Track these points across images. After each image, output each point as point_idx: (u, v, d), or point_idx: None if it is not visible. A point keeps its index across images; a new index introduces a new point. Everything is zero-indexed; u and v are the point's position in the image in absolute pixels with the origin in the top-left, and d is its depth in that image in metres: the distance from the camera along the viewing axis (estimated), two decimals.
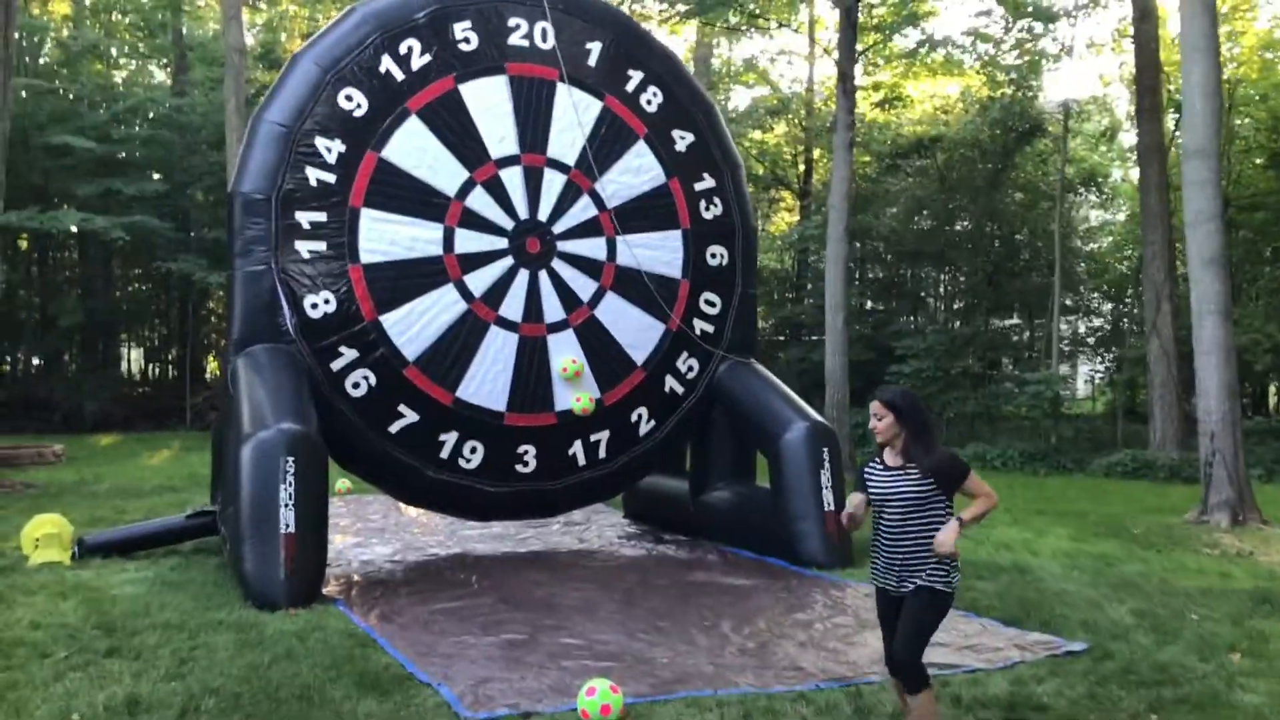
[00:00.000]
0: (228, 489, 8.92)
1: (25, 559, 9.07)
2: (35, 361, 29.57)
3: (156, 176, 27.86)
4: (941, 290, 26.82)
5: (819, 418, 9.74)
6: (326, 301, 8.98)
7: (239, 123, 22.35)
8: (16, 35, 20.96)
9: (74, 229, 24.88)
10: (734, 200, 10.62)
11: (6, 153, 15.71)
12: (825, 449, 9.52)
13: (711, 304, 10.42)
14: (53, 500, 13.02)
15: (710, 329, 10.40)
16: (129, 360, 35.37)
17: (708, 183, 10.46)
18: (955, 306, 26.69)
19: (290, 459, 7.81)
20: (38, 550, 9.06)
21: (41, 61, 29.65)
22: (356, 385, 9.05)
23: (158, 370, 34.58)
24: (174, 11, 28.75)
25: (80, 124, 26.23)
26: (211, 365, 33.58)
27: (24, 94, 25.31)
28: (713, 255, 10.44)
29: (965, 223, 23.61)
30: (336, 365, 8.99)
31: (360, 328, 9.04)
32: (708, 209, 10.44)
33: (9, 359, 28.67)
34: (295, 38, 30.59)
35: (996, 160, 20.79)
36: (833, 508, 9.34)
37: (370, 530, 11.23)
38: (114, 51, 31.33)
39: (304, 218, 9.00)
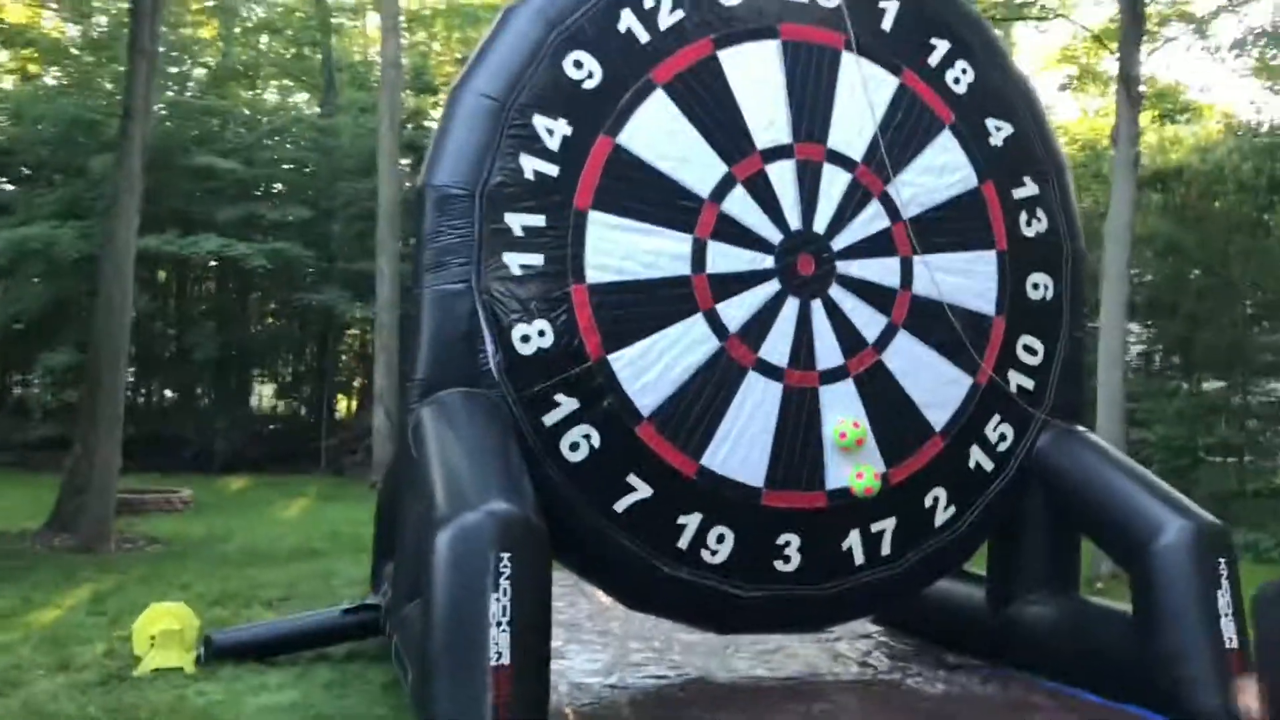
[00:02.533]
0: (401, 589, 6.64)
1: (137, 660, 6.90)
2: (168, 394, 28.34)
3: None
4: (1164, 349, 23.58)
5: (1204, 514, 7.01)
6: (541, 333, 6.66)
7: (392, 143, 20.73)
8: (163, 49, 19.62)
9: (214, 258, 23.46)
10: (1060, 213, 8.02)
11: (145, 162, 13.95)
12: (1221, 560, 6.76)
13: (1032, 351, 7.80)
14: (177, 563, 11.01)
15: (1029, 384, 7.78)
16: (259, 397, 34.15)
17: (1029, 189, 7.89)
18: (1173, 362, 23.41)
19: (505, 556, 5.44)
20: (154, 651, 6.88)
21: (189, 86, 28.63)
22: (575, 446, 6.69)
23: (287, 408, 33.25)
24: (325, 31, 27.41)
25: (225, 147, 24.91)
26: (342, 405, 32.03)
27: (168, 120, 24.08)
28: (1035, 286, 7.84)
29: (1197, 271, 20.36)
30: (551, 419, 6.65)
31: (584, 369, 6.69)
32: (1029, 224, 7.85)
33: (143, 391, 27.41)
34: (448, 63, 29.07)
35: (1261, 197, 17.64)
36: (1234, 644, 6.59)
37: (562, 626, 8.78)
38: (259, 75, 30.22)
39: (516, 221, 6.72)
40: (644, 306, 6.86)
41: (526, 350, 6.64)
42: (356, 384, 31.64)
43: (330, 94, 28.42)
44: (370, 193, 23.85)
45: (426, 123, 29.67)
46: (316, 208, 25.64)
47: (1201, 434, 17.07)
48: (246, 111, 28.58)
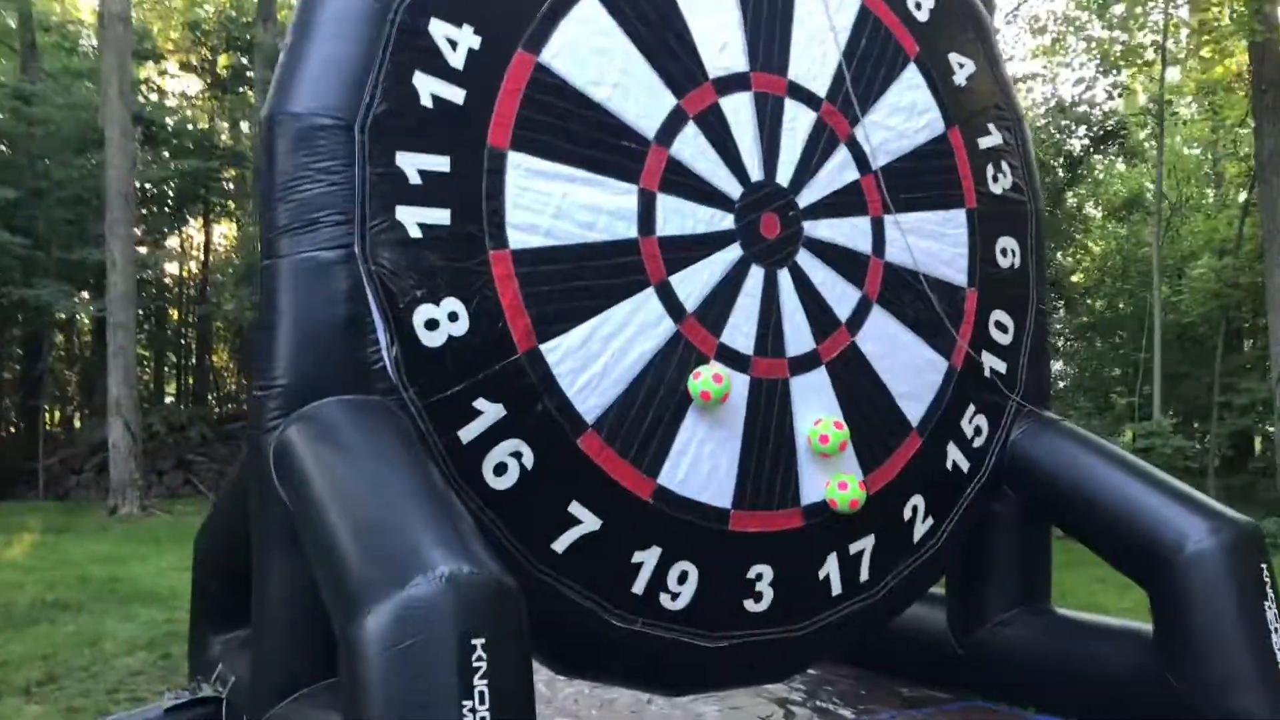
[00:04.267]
0: (270, 680, 4.68)
1: None
2: None
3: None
4: None
5: (1231, 512, 6.03)
6: (453, 316, 4.86)
7: (122, 111, 17.66)
8: None
9: None
10: (1023, 168, 6.93)
11: None
12: (1262, 566, 5.80)
13: (1003, 328, 6.66)
14: None
15: (1001, 367, 6.64)
16: None
17: (994, 138, 6.74)
18: None
19: (478, 643, 3.66)
20: None
21: None
22: (501, 469, 4.94)
23: None
24: None
25: None
26: (55, 418, 27.88)
27: None
28: (1004, 251, 6.71)
29: None
30: (470, 433, 4.86)
31: (509, 364, 4.95)
32: (995, 179, 6.71)
33: None
34: (174, 26, 25.72)
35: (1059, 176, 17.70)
36: None
37: None
38: None
39: (411, 163, 4.88)
40: (583, 279, 5.19)
41: (433, 340, 4.83)
42: (72, 392, 27.61)
43: (32, 59, 24.47)
44: (90, 171, 20.56)
45: (150, 94, 26.29)
46: (21, 189, 21.80)
47: None
48: None
